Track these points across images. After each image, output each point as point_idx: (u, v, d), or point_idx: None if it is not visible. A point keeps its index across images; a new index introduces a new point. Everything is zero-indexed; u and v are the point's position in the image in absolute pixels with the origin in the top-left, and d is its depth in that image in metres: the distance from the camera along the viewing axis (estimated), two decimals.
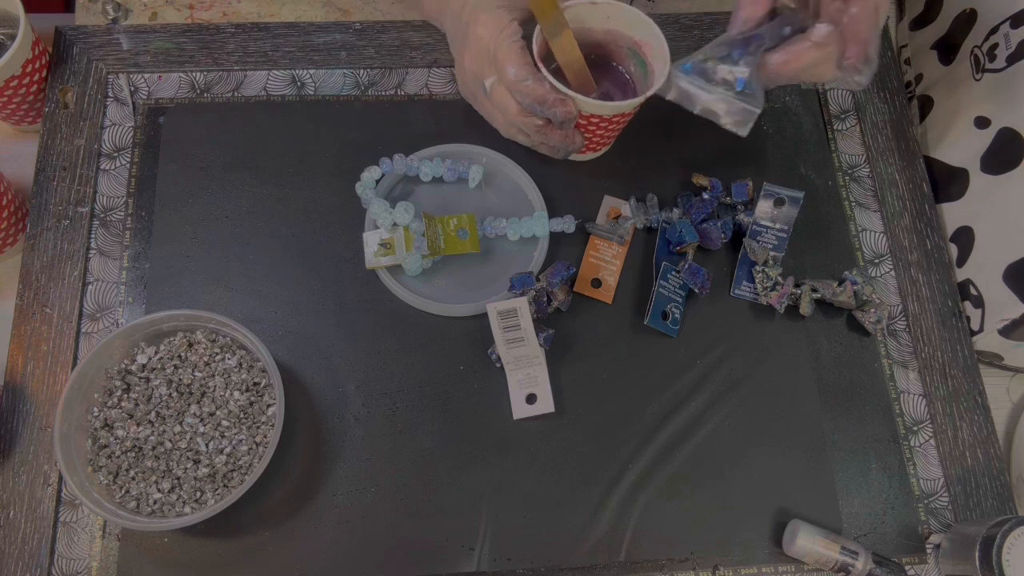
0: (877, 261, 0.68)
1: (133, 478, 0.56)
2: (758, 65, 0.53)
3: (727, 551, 0.59)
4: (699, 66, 0.55)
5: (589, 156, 0.68)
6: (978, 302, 0.65)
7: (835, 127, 0.72)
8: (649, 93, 0.58)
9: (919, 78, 0.74)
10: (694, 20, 0.75)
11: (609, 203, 0.68)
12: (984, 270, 0.64)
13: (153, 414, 0.57)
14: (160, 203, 0.66)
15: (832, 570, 0.57)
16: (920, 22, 0.75)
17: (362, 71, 0.72)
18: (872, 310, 0.64)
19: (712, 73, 0.55)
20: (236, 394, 0.57)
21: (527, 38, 0.59)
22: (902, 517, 0.61)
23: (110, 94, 0.69)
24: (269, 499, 0.58)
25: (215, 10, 0.75)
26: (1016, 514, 0.61)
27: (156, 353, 0.59)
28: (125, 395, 0.57)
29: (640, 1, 0.79)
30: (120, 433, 0.56)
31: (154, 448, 0.56)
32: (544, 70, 0.58)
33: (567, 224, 0.66)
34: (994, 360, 0.66)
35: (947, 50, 0.71)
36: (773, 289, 0.64)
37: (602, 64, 0.66)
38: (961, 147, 0.67)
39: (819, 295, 0.64)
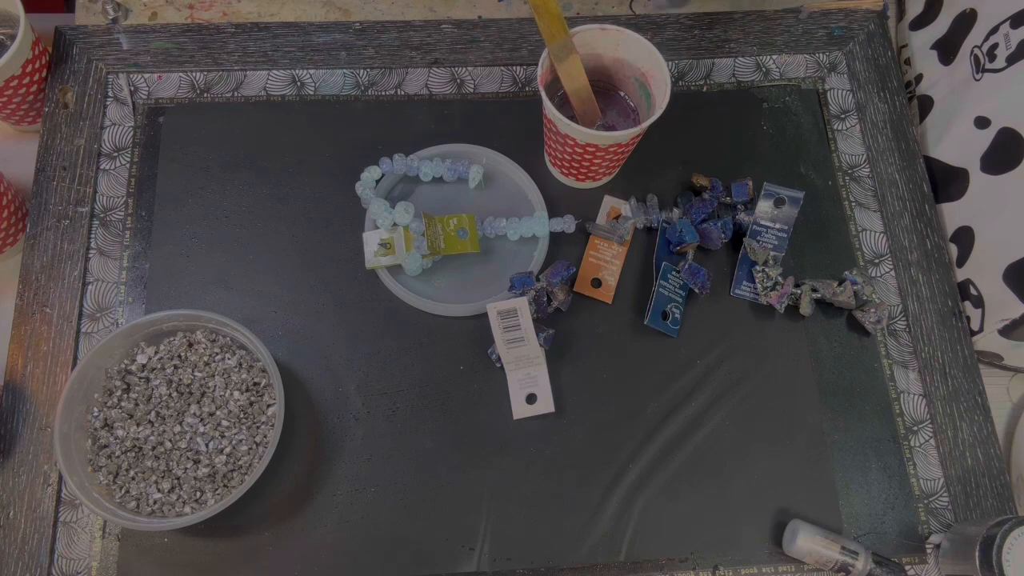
0: (877, 261, 0.68)
1: (133, 478, 0.56)
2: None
3: (727, 551, 0.59)
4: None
5: (590, 184, 0.68)
6: (978, 302, 0.65)
7: (835, 127, 0.72)
8: (645, 125, 0.58)
9: (919, 78, 0.74)
10: (694, 20, 0.75)
11: (609, 203, 0.68)
12: (984, 270, 0.64)
13: (153, 414, 0.57)
14: (160, 203, 0.66)
15: (832, 570, 0.57)
16: (920, 22, 0.75)
17: (362, 71, 0.72)
18: (872, 310, 0.64)
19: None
20: (236, 394, 0.57)
21: None
22: (902, 517, 0.61)
23: (110, 94, 0.69)
24: (269, 499, 0.58)
25: (215, 10, 0.75)
26: (1016, 514, 0.61)
27: (156, 353, 0.59)
28: (125, 395, 0.57)
29: (640, 1, 0.79)
30: (120, 433, 0.56)
31: (154, 448, 0.56)
32: (546, 99, 0.58)
33: (567, 224, 0.66)
34: (994, 360, 0.66)
35: (947, 50, 0.71)
36: (773, 289, 0.64)
37: (607, 92, 0.66)
38: (961, 147, 0.67)
39: (819, 295, 0.64)
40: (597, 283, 0.65)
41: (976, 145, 0.65)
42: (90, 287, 0.64)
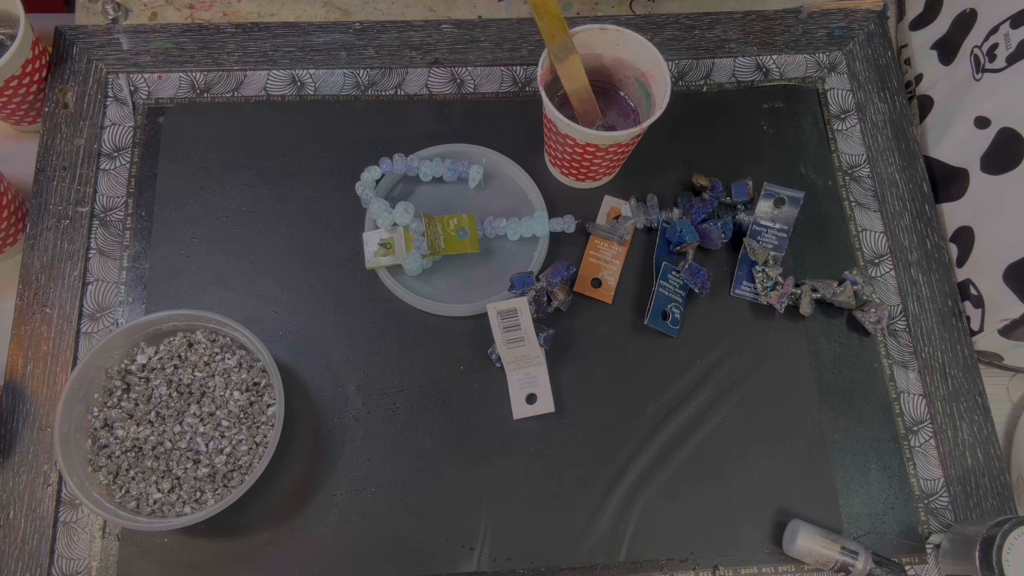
0: (877, 261, 0.68)
1: (133, 478, 0.56)
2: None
3: (727, 551, 0.59)
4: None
5: (590, 184, 0.68)
6: (978, 302, 0.65)
7: (835, 127, 0.72)
8: (645, 125, 0.58)
9: (919, 78, 0.74)
10: (694, 20, 0.75)
11: (609, 203, 0.68)
12: (984, 270, 0.64)
13: (153, 414, 0.57)
14: (160, 203, 0.66)
15: (832, 570, 0.57)
16: (920, 22, 0.75)
17: (362, 71, 0.72)
18: (872, 310, 0.64)
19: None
20: (236, 394, 0.57)
21: None
22: (902, 517, 0.61)
23: (110, 94, 0.69)
24: (269, 499, 0.58)
25: (215, 10, 0.75)
26: (1016, 514, 0.61)
27: (156, 353, 0.59)
28: (125, 395, 0.57)
29: (640, 1, 0.79)
30: (120, 433, 0.56)
31: (154, 448, 0.56)
32: (546, 99, 0.58)
33: (567, 224, 0.66)
34: (994, 360, 0.66)
35: (947, 50, 0.71)
36: (773, 289, 0.64)
37: (608, 92, 0.66)
38: (961, 147, 0.67)
39: (819, 295, 0.64)
40: (597, 283, 0.65)
41: (976, 145, 0.65)
42: (90, 287, 0.64)
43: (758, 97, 0.73)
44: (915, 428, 0.63)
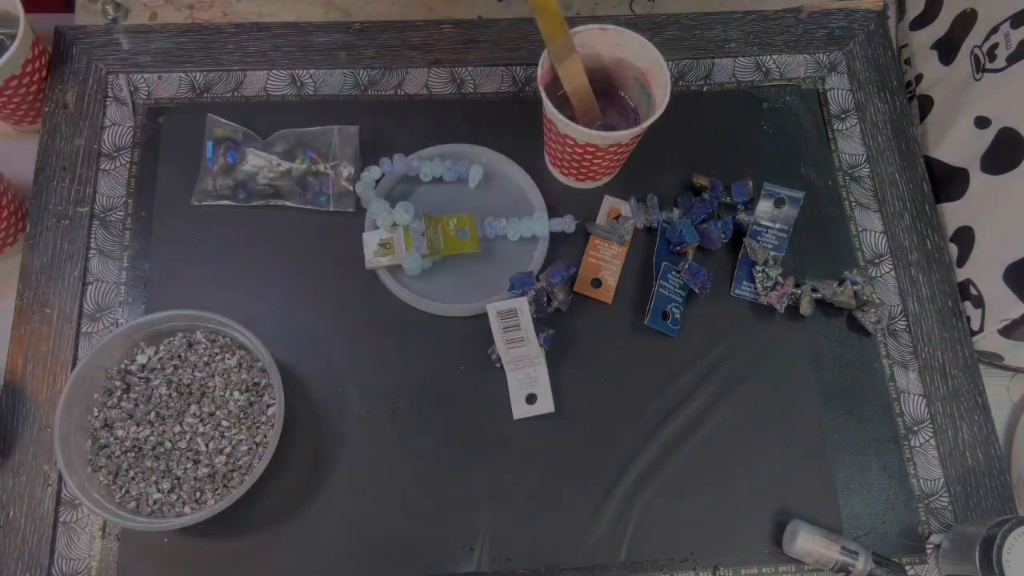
0: (877, 261, 0.68)
1: (133, 478, 0.56)
2: None
3: (727, 551, 0.59)
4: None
5: (590, 184, 0.68)
6: (978, 302, 0.65)
7: (835, 127, 0.72)
8: (645, 125, 0.58)
9: (919, 78, 0.74)
10: (695, 20, 0.75)
11: (609, 203, 0.68)
12: (984, 270, 0.64)
13: (153, 414, 0.57)
14: (160, 203, 0.66)
15: (832, 570, 0.57)
16: (920, 22, 0.75)
17: (362, 71, 0.72)
18: (872, 310, 0.64)
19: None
20: (236, 394, 0.57)
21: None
22: (902, 517, 0.61)
23: (110, 94, 0.69)
24: (269, 499, 0.58)
25: (215, 10, 0.75)
26: (1016, 514, 0.61)
27: (156, 353, 0.59)
28: (125, 395, 0.57)
29: (640, 1, 0.79)
30: (120, 433, 0.56)
31: (154, 448, 0.56)
32: (546, 99, 0.58)
33: (567, 224, 0.66)
34: (994, 360, 0.66)
35: (947, 50, 0.71)
36: (773, 289, 0.64)
37: (608, 92, 0.66)
38: (961, 147, 0.67)
39: (819, 295, 0.64)
40: (597, 283, 0.65)
41: (976, 145, 0.65)
42: (90, 287, 0.64)
43: (758, 97, 0.73)
44: (915, 428, 0.63)
